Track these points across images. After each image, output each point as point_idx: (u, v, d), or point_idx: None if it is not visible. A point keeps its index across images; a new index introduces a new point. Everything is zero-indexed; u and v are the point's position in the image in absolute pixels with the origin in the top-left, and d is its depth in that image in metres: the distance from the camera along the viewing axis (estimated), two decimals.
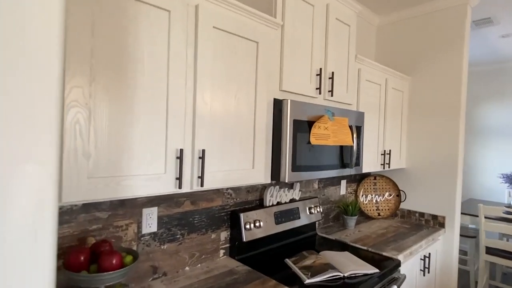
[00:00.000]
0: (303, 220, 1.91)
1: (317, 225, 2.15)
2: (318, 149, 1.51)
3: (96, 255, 1.04)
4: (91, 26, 0.85)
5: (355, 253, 1.73)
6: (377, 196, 2.61)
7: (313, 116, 1.47)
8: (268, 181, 1.40)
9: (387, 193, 2.61)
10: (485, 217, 2.97)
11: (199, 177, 1.11)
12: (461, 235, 3.01)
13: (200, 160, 1.11)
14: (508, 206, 3.22)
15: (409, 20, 2.51)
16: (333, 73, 1.65)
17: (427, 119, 2.42)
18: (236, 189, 1.65)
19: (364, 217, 2.57)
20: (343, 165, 1.70)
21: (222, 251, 1.59)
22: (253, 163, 1.32)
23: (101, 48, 0.87)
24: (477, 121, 4.36)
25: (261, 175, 1.35)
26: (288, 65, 1.45)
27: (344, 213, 2.24)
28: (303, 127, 1.42)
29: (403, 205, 2.57)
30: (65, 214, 1.08)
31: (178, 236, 1.41)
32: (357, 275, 1.44)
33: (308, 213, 1.96)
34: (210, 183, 1.15)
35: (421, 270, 2.02)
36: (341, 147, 1.67)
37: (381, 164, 2.18)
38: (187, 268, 1.44)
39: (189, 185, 1.10)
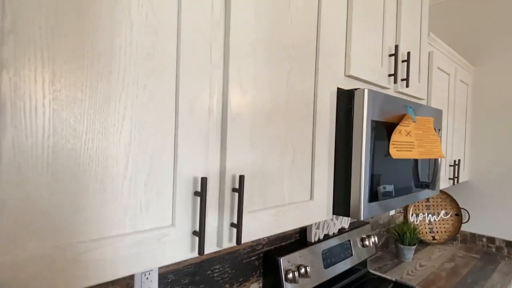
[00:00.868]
0: (355, 258, 1.41)
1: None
2: (394, 165, 1.01)
3: None
4: None
5: None
6: (430, 215, 2.11)
7: (393, 116, 0.97)
8: (330, 217, 0.90)
9: (443, 212, 2.10)
10: None
11: (233, 224, 0.61)
12: None
13: (236, 194, 0.61)
14: None
15: None
16: (409, 53, 1.15)
17: (496, 120, 1.92)
18: None
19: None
20: (420, 185, 1.20)
21: None
22: (312, 190, 0.82)
23: None
24: None
25: (322, 209, 0.85)
26: (358, 38, 0.95)
27: (400, 241, 1.74)
28: (381, 132, 0.92)
29: (465, 227, 2.07)
30: None
31: None
32: None
33: (360, 246, 1.46)
34: (251, 234, 0.65)
35: None
36: (416, 160, 1.17)
37: (450, 179, 1.68)
38: None
39: (216, 242, 0.60)
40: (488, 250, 1.94)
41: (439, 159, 1.32)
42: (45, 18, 0.39)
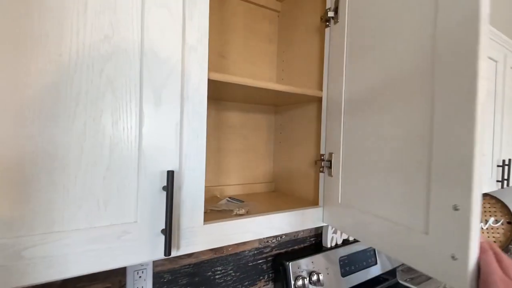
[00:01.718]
0: (380, 266, 1.27)
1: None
2: None
3: None
4: None
5: None
6: None
7: None
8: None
9: (492, 219, 1.85)
10: None
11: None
12: None
13: None
14: None
15: None
16: None
17: None
18: None
19: None
20: None
21: None
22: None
23: None
24: None
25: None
26: None
27: None
28: None
29: None
30: None
31: None
32: None
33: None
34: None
35: None
36: None
37: (498, 181, 1.45)
38: None
39: (185, 246, 0.54)
40: None
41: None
42: None
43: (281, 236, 1.09)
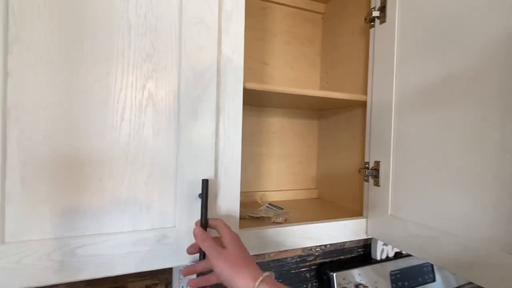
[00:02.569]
0: (441, 283, 1.15)
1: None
2: None
3: None
4: None
5: None
6: None
7: None
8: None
9: None
10: None
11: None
12: None
13: None
14: None
15: None
16: None
17: None
18: None
19: None
20: None
21: None
22: None
23: None
24: None
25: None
26: None
27: None
28: None
29: None
30: None
31: None
32: None
33: None
34: None
35: None
36: None
37: None
38: None
39: None
40: None
41: None
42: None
43: (325, 245, 1.06)
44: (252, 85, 0.62)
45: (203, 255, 0.50)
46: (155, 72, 0.50)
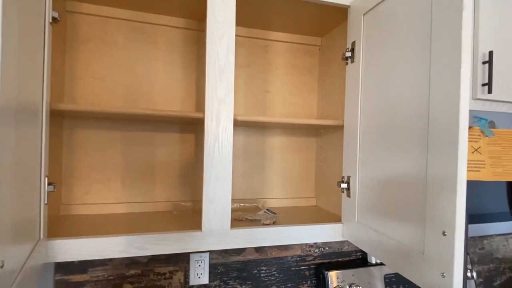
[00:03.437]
0: None
1: None
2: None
3: None
4: None
5: None
6: None
7: None
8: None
9: None
10: None
11: None
12: None
13: None
14: None
15: None
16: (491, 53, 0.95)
17: None
18: None
19: None
20: None
21: None
22: None
23: None
24: None
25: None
26: None
27: None
28: None
29: None
30: None
31: None
32: None
33: None
34: None
35: None
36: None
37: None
38: None
39: None
40: None
41: None
42: None
43: (324, 247, 1.20)
44: (242, 117, 0.81)
45: None
46: None
